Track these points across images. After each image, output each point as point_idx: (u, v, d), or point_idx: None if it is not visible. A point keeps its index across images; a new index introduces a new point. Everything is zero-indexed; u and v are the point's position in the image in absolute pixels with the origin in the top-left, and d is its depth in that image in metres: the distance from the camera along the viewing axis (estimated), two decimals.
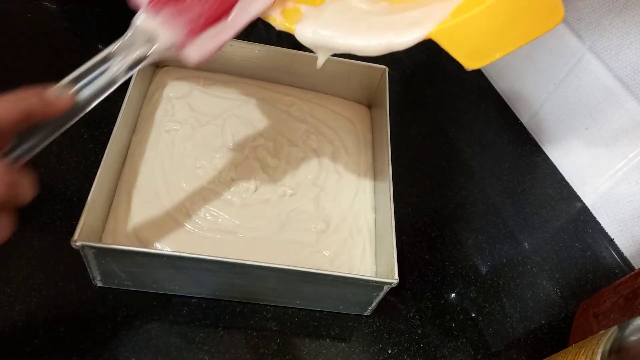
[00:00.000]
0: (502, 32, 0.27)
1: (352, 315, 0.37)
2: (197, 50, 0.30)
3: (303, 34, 0.31)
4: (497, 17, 0.27)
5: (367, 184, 0.42)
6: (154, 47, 0.28)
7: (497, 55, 0.28)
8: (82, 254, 0.31)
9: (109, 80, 0.27)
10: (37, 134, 0.25)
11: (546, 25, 0.26)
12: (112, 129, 0.35)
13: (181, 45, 0.29)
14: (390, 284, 0.33)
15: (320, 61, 0.32)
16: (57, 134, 0.25)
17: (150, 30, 0.29)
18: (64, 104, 0.25)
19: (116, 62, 0.28)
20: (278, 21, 0.32)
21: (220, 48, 0.31)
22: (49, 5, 0.50)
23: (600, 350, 0.27)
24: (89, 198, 0.31)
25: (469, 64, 0.28)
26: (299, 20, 0.32)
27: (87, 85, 0.27)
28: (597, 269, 0.43)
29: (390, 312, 0.38)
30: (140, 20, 0.29)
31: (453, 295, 0.40)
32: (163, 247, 0.35)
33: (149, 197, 0.37)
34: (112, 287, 0.35)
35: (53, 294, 0.34)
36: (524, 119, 0.52)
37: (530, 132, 0.52)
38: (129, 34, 0.28)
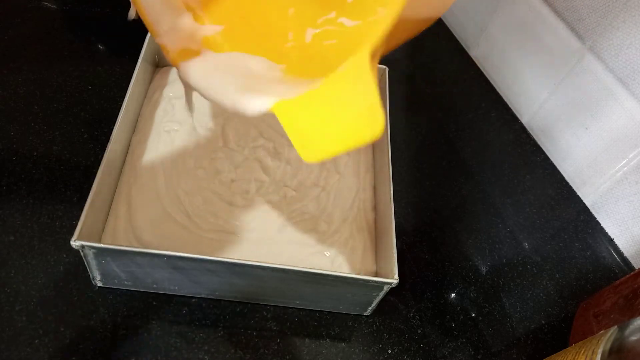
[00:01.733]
0: (325, 129, 0.26)
1: (352, 315, 0.37)
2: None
3: (184, 71, 0.31)
4: (319, 109, 0.26)
5: (367, 184, 0.42)
6: None
7: (324, 155, 0.26)
8: (82, 254, 0.31)
9: None
10: None
11: (366, 133, 0.24)
12: (112, 129, 0.35)
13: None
14: (390, 284, 0.33)
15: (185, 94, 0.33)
16: None
17: None
18: None
19: None
20: (170, 55, 0.32)
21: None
22: (49, 5, 0.50)
23: (600, 350, 0.27)
24: (89, 198, 0.31)
25: (303, 155, 0.27)
26: (189, 59, 0.31)
27: None
28: (597, 269, 0.43)
29: (390, 312, 0.38)
30: None
31: (453, 295, 0.40)
32: (163, 247, 0.35)
33: (149, 197, 0.37)
34: (112, 287, 0.35)
35: (53, 294, 0.34)
36: (524, 119, 0.52)
37: (530, 132, 0.52)
38: None
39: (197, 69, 0.31)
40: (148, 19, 0.32)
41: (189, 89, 0.32)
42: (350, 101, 0.24)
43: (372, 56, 0.23)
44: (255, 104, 0.28)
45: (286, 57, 0.33)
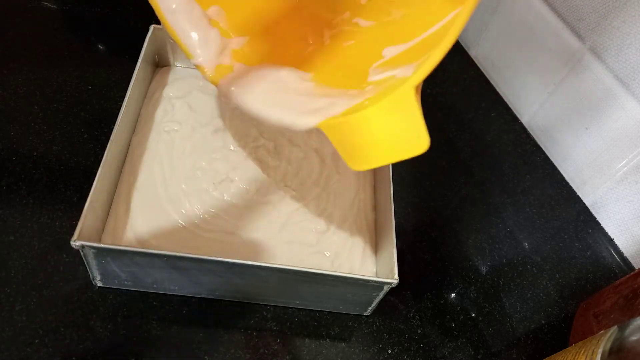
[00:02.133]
0: (373, 144, 0.28)
1: (352, 315, 0.37)
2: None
3: (224, 88, 0.33)
4: (368, 128, 0.28)
5: (367, 184, 0.42)
6: None
7: (372, 165, 0.29)
8: (82, 254, 0.31)
9: None
10: None
11: (412, 149, 0.27)
12: (112, 129, 0.35)
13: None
14: (390, 284, 0.33)
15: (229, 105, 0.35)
16: None
17: None
18: None
19: None
20: (207, 74, 0.34)
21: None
22: (49, 5, 0.50)
23: (600, 350, 0.27)
24: (89, 198, 0.31)
25: (351, 164, 0.30)
26: (225, 76, 0.33)
27: None
28: (597, 269, 0.43)
29: (390, 312, 0.38)
30: None
31: (453, 295, 0.40)
32: (163, 247, 0.35)
33: (149, 197, 0.37)
34: (112, 287, 0.35)
35: (53, 294, 0.34)
36: (524, 119, 0.52)
37: (530, 132, 0.52)
38: None
39: (235, 88, 0.32)
40: (181, 42, 0.33)
41: (229, 105, 0.34)
42: (398, 126, 0.26)
43: (417, 89, 0.25)
44: (304, 122, 0.30)
45: (311, 63, 0.35)
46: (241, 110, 0.32)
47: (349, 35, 0.35)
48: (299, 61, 0.35)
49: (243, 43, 0.35)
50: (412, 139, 0.26)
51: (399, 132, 0.27)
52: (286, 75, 0.33)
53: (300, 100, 0.31)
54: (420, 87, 0.26)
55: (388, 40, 0.33)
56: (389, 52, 0.32)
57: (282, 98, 0.32)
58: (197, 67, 0.34)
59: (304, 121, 0.30)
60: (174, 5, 0.32)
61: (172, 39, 0.41)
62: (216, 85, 0.33)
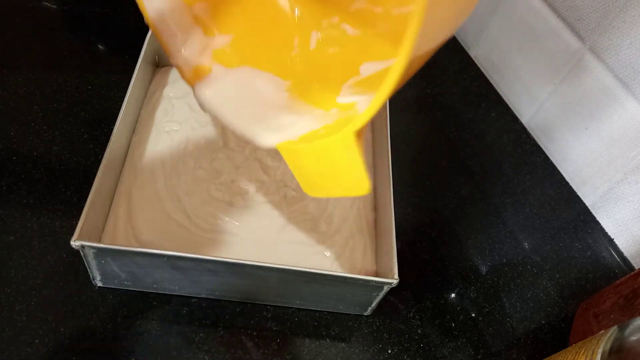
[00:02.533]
0: (322, 176, 0.29)
1: (352, 315, 0.37)
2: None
3: (199, 92, 0.32)
4: (317, 161, 0.28)
5: None
6: None
7: (322, 195, 0.31)
8: (82, 254, 0.31)
9: None
10: None
11: (354, 191, 0.27)
12: (112, 129, 0.35)
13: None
14: (390, 284, 0.33)
15: (204, 110, 0.34)
16: None
17: None
18: None
19: None
20: (185, 75, 0.33)
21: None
22: (49, 5, 0.50)
23: (600, 350, 0.27)
24: (89, 198, 0.31)
25: (306, 189, 0.31)
26: (202, 78, 0.33)
27: None
28: (597, 269, 0.43)
29: (390, 312, 0.38)
30: None
31: (453, 295, 0.40)
32: (163, 247, 0.35)
33: (149, 198, 0.37)
34: (112, 287, 0.35)
35: (53, 294, 0.34)
36: (524, 119, 0.52)
37: (530, 132, 0.52)
38: None
39: (210, 92, 0.32)
40: (163, 39, 0.33)
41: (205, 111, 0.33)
42: (343, 165, 0.27)
43: (358, 134, 0.25)
44: (264, 139, 0.30)
45: (291, 70, 0.35)
46: (214, 117, 0.32)
47: (335, 42, 0.35)
48: (280, 66, 0.35)
49: (226, 42, 0.34)
50: (355, 181, 0.27)
51: (343, 171, 0.27)
52: (262, 84, 0.33)
53: (267, 114, 0.31)
54: (365, 130, 0.26)
55: (368, 54, 0.33)
56: (366, 69, 0.33)
57: (252, 110, 0.32)
58: (175, 67, 0.33)
59: (264, 139, 0.30)
60: (157, 3, 0.32)
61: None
62: (192, 88, 0.33)
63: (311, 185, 0.31)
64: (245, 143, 0.42)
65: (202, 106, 0.32)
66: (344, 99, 0.32)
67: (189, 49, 0.33)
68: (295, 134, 0.30)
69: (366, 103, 0.28)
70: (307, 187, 0.31)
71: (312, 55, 0.36)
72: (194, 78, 0.33)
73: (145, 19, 0.32)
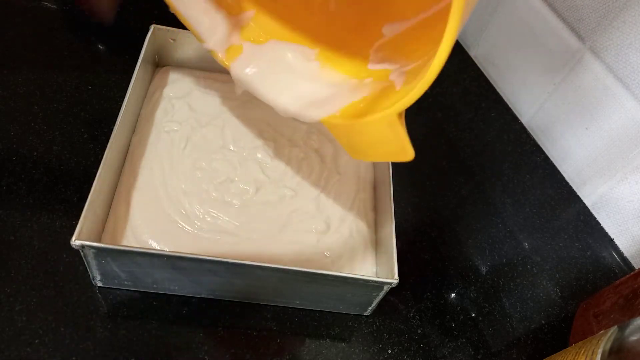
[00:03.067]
0: (369, 145, 0.32)
1: (352, 315, 0.37)
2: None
3: (236, 72, 0.35)
4: (363, 133, 0.31)
5: (367, 184, 0.42)
6: None
7: (369, 160, 0.34)
8: (82, 254, 0.31)
9: None
10: None
11: (399, 157, 0.30)
12: (112, 129, 0.35)
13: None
14: (390, 284, 0.33)
15: (237, 91, 0.36)
16: None
17: None
18: None
19: None
20: (219, 57, 0.36)
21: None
22: (49, 5, 0.50)
23: (600, 350, 0.27)
24: (89, 198, 0.31)
25: (351, 154, 0.33)
26: (236, 58, 0.35)
27: None
28: (597, 269, 0.43)
29: (390, 312, 0.38)
30: None
31: (453, 295, 0.40)
32: (163, 247, 0.35)
33: (148, 198, 0.37)
34: (112, 287, 0.35)
35: (53, 294, 0.34)
36: (524, 119, 0.52)
37: (530, 132, 0.52)
38: None
39: (245, 70, 0.34)
40: (191, 26, 0.35)
41: (248, 89, 0.35)
42: (388, 137, 0.29)
43: (400, 113, 0.27)
44: (307, 115, 0.32)
45: (316, 37, 0.36)
46: (254, 94, 0.34)
47: (352, 0, 0.36)
48: (305, 34, 0.36)
49: (250, 18, 0.36)
50: (399, 149, 0.29)
51: (388, 142, 0.29)
52: (292, 58, 0.35)
53: (306, 89, 0.33)
54: (404, 113, 0.28)
55: (387, 15, 0.34)
56: (388, 30, 0.34)
57: (290, 85, 0.33)
58: (210, 52, 0.35)
59: (307, 115, 0.32)
60: None
61: (171, 38, 0.41)
62: (228, 69, 0.34)
63: (356, 151, 0.33)
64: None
65: (241, 85, 0.34)
66: (375, 66, 0.33)
67: (218, 32, 0.35)
68: (336, 107, 0.31)
69: (400, 78, 0.30)
70: (351, 152, 0.33)
71: (333, 17, 0.37)
72: (228, 59, 0.35)
73: (170, 8, 0.33)
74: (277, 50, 0.35)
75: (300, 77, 0.34)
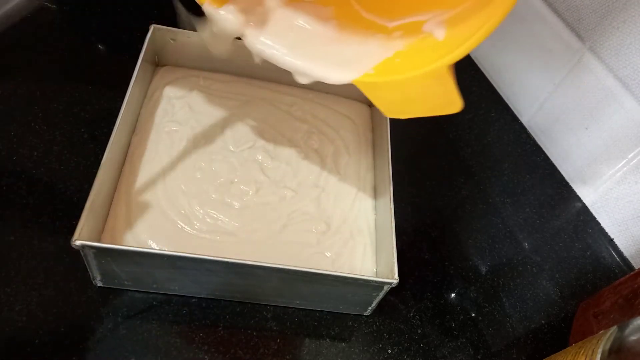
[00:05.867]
0: (410, 101, 0.30)
1: (352, 315, 0.37)
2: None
3: (250, 44, 0.32)
4: (404, 90, 0.29)
5: (367, 184, 0.42)
6: None
7: (407, 116, 0.31)
8: (82, 254, 0.31)
9: None
10: None
11: (446, 110, 0.29)
12: (112, 129, 0.35)
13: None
14: (390, 284, 0.33)
15: (256, 60, 0.33)
16: None
17: None
18: None
19: None
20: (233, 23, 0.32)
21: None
22: (49, 5, 0.50)
23: (600, 350, 0.27)
24: (89, 198, 0.31)
25: (387, 114, 0.33)
26: (249, 25, 0.32)
27: None
28: (597, 269, 0.43)
29: (390, 312, 0.38)
30: None
31: (453, 295, 0.40)
32: (163, 247, 0.35)
33: (148, 198, 0.37)
34: (112, 287, 0.35)
35: (53, 294, 0.34)
36: (524, 119, 0.52)
37: (530, 132, 0.52)
38: None
39: (263, 38, 0.32)
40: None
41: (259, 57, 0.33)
42: (434, 91, 0.28)
43: (450, 66, 0.26)
44: (337, 77, 0.30)
45: None
46: (275, 62, 0.32)
47: None
48: None
49: None
50: (446, 102, 0.28)
51: (435, 95, 0.28)
52: (307, 19, 0.33)
53: (327, 50, 0.31)
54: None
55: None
56: None
57: (310, 48, 0.32)
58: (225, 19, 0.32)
59: (337, 76, 0.30)
60: None
61: (171, 38, 0.41)
62: (243, 37, 0.32)
63: (394, 109, 0.31)
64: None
65: (260, 56, 0.32)
66: (401, 20, 0.31)
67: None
68: (369, 66, 0.30)
69: (438, 28, 0.28)
70: (388, 111, 0.32)
71: None
72: (243, 25, 0.32)
73: None
74: (290, 14, 0.33)
75: (318, 39, 0.32)
